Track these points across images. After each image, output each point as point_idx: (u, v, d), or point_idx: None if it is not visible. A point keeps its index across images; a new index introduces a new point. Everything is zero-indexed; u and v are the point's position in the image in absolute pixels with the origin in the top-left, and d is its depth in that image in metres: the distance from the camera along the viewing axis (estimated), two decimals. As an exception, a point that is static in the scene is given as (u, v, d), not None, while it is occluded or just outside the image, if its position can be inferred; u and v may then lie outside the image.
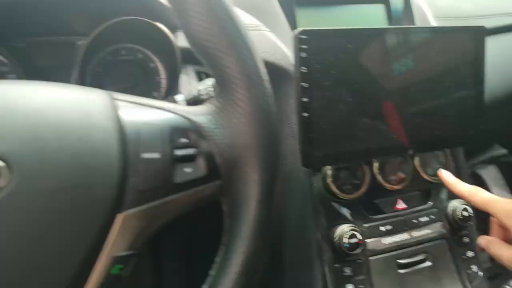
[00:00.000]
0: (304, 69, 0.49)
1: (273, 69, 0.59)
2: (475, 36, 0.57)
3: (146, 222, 0.30)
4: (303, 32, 0.48)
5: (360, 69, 0.51)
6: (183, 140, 0.31)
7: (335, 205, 0.58)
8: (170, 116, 0.32)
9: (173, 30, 0.63)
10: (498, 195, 0.86)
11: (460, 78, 0.56)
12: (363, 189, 0.57)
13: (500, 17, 0.85)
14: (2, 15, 0.58)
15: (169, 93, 0.69)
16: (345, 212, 0.58)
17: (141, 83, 0.69)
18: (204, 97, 0.45)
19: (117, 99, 0.32)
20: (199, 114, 0.33)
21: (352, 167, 0.57)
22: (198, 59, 0.40)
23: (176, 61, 0.62)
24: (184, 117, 0.32)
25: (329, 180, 0.56)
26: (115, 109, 0.31)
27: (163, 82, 0.70)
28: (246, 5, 0.65)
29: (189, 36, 0.33)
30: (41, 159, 0.27)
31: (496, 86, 0.79)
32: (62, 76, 0.65)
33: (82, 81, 0.64)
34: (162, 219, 0.31)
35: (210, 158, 0.32)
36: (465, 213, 0.59)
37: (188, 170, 0.31)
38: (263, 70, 0.33)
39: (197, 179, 0.31)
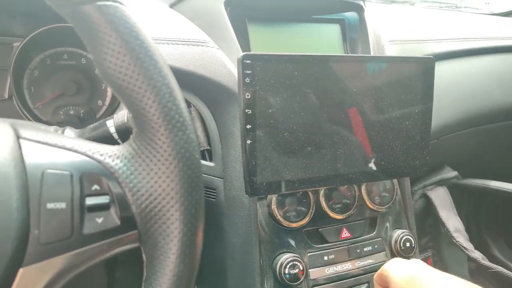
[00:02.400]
0: (248, 95, 0.47)
1: (219, 89, 0.56)
2: (424, 67, 0.56)
3: (52, 277, 0.27)
4: (247, 56, 0.46)
5: (305, 96, 0.49)
6: (95, 187, 0.28)
7: (280, 232, 0.56)
8: (82, 159, 0.29)
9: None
10: (445, 217, 0.89)
11: (408, 109, 0.56)
12: (307, 218, 0.56)
13: (453, 42, 0.86)
14: None
15: (114, 102, 0.66)
16: (290, 240, 0.56)
17: (85, 90, 0.65)
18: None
19: (23, 138, 0.28)
20: (115, 157, 0.30)
21: (297, 194, 0.56)
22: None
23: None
24: (98, 160, 0.29)
25: (273, 206, 0.55)
26: (19, 150, 0.27)
27: (109, 90, 0.66)
28: (197, 18, 0.62)
29: (102, 72, 0.29)
30: None
31: (446, 111, 0.80)
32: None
33: (17, 85, 0.60)
34: (71, 272, 0.28)
35: (124, 207, 0.29)
36: (408, 244, 0.59)
37: (99, 220, 0.28)
38: (185, 114, 0.30)
39: (110, 230, 0.28)
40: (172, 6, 0.68)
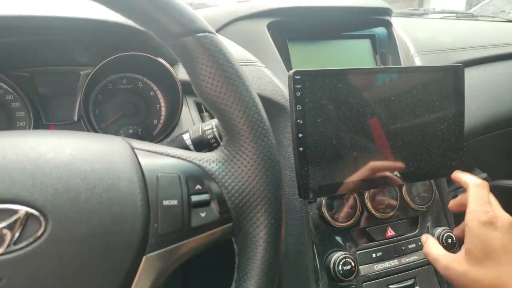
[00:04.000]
0: (299, 107, 0.52)
1: (269, 103, 0.62)
2: (455, 74, 0.61)
3: (166, 263, 0.32)
4: (297, 72, 0.52)
5: (350, 106, 0.55)
6: (198, 186, 0.34)
7: (330, 233, 0.61)
8: (186, 164, 0.35)
9: (173, 63, 0.66)
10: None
11: (442, 114, 0.61)
12: (355, 218, 0.60)
13: (476, 50, 0.91)
14: (7, 47, 0.60)
15: (169, 121, 0.72)
16: (339, 239, 0.61)
17: (142, 111, 0.71)
18: (209, 137, 0.48)
19: (137, 148, 0.34)
20: (211, 162, 0.35)
21: (345, 197, 0.61)
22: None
23: (177, 93, 0.65)
24: (198, 165, 0.35)
25: (323, 209, 0.59)
26: (136, 158, 0.33)
27: (163, 110, 0.72)
28: (243, 41, 0.69)
29: (199, 91, 0.35)
30: (73, 208, 0.29)
31: (474, 115, 0.84)
32: (65, 104, 0.67)
33: (85, 109, 0.66)
34: (181, 259, 0.33)
35: (222, 203, 0.34)
36: (449, 240, 0.63)
37: (203, 214, 0.33)
38: (267, 123, 0.36)
39: (211, 222, 0.34)
40: (218, 31, 0.74)
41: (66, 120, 0.67)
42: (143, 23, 0.35)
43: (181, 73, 0.65)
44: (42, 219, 0.28)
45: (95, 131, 0.67)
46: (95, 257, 0.29)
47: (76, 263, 0.28)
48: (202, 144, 0.48)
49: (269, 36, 0.67)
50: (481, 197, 0.50)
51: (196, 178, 0.34)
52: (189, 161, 0.35)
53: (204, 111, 0.69)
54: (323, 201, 0.59)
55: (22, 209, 0.28)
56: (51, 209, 0.29)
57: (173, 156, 0.35)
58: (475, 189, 0.51)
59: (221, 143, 0.36)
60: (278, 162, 0.36)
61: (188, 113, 0.67)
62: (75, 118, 0.67)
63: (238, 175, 0.35)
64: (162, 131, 0.72)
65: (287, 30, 0.71)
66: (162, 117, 0.73)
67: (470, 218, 0.48)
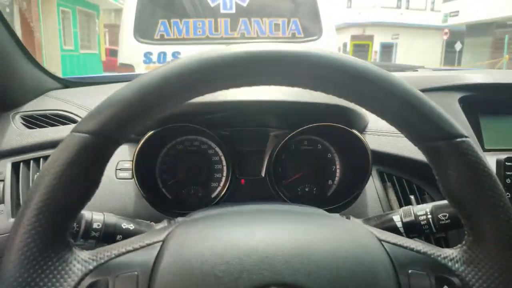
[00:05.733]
0: (508, 195, 0.50)
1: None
2: None
3: None
4: (508, 159, 0.50)
5: None
6: (445, 286, 0.35)
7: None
8: (432, 262, 0.36)
9: (361, 132, 0.70)
10: None
11: None
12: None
13: None
14: (214, 113, 0.70)
15: (344, 184, 0.74)
16: None
17: (319, 171, 0.76)
18: (423, 222, 0.48)
19: (383, 240, 0.37)
20: (456, 261, 0.36)
21: None
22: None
23: (359, 160, 0.67)
24: (443, 264, 0.36)
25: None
26: (386, 252, 0.35)
27: (338, 172, 0.76)
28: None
29: (446, 189, 0.36)
30: None
31: None
32: (254, 161, 0.75)
33: (275, 165, 0.72)
34: None
35: None
36: None
37: None
38: None
39: None
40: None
41: (255, 175, 0.75)
42: (396, 123, 0.37)
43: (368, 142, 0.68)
44: None
45: (278, 187, 0.73)
46: None
47: None
48: (414, 228, 0.49)
49: (461, 110, 0.66)
50: None
51: (443, 277, 0.35)
52: (434, 258, 0.36)
53: (387, 180, 0.70)
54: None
55: None
56: None
57: (418, 252, 0.36)
58: None
59: (463, 243, 0.37)
60: None
61: (371, 181, 0.69)
62: (263, 174, 0.74)
63: (486, 279, 0.35)
64: (337, 194, 0.75)
65: (479, 105, 0.69)
66: (337, 179, 0.76)
67: None
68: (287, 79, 0.36)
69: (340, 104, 0.65)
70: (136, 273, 0.33)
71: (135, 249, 0.35)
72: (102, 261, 0.34)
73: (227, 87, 0.35)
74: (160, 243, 0.35)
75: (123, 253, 0.34)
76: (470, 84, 0.68)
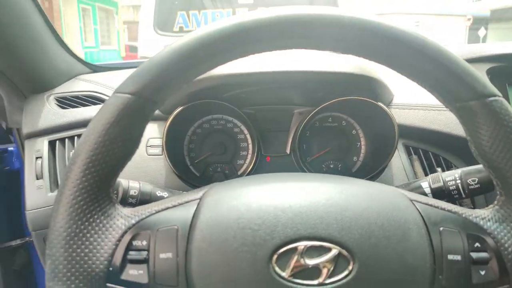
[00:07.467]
0: None
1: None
2: None
3: None
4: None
5: None
6: (477, 244, 0.35)
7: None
8: (464, 220, 0.36)
9: (387, 105, 0.69)
10: None
11: None
12: None
13: None
14: (241, 93, 0.71)
15: (369, 159, 0.75)
16: None
17: (343, 148, 0.76)
18: (451, 188, 0.49)
19: (414, 200, 0.37)
20: (488, 220, 0.36)
21: None
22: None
23: (385, 135, 0.67)
24: (475, 223, 0.36)
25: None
26: (418, 212, 0.36)
27: (363, 148, 0.76)
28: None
29: (478, 150, 0.36)
30: (375, 253, 0.32)
31: None
32: (278, 139, 0.76)
33: (299, 142, 0.73)
34: None
35: (501, 264, 0.35)
36: None
37: (482, 272, 0.34)
38: None
39: (490, 282, 0.34)
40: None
41: (280, 152, 0.76)
42: (427, 83, 0.37)
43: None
44: (351, 259, 0.33)
45: (303, 163, 0.74)
46: None
47: None
48: (442, 194, 0.49)
49: (489, 82, 0.65)
50: None
51: (475, 235, 0.35)
52: (466, 217, 0.36)
53: (413, 154, 0.70)
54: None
55: (336, 248, 0.33)
56: (358, 252, 0.32)
57: (450, 211, 0.37)
58: None
59: (495, 203, 0.37)
60: None
61: (397, 155, 0.69)
62: (288, 151, 0.75)
63: None
64: (362, 169, 0.76)
65: (507, 75, 0.68)
66: (362, 155, 0.76)
67: None
68: (317, 42, 0.36)
69: (366, 75, 0.65)
70: (176, 227, 0.35)
71: (174, 206, 0.36)
72: (144, 216, 0.36)
73: (268, 49, 0.35)
74: (197, 200, 0.37)
75: (163, 210, 0.36)
76: (498, 55, 0.67)
